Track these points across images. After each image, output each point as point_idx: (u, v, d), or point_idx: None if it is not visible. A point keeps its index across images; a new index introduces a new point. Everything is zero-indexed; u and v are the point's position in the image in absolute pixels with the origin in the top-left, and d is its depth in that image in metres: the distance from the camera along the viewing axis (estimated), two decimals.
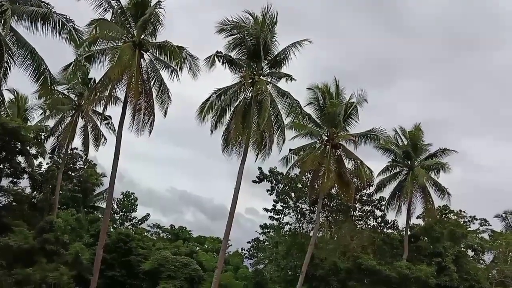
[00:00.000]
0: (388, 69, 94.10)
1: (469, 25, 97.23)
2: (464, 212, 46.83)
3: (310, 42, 30.07)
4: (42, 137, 38.24)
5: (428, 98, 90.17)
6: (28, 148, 36.37)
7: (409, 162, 41.39)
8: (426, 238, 43.16)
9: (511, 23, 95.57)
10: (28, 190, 39.00)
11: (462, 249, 43.25)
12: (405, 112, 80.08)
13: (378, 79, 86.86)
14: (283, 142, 31.50)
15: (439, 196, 40.88)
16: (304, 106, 33.83)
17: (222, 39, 29.86)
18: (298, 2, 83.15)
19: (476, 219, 47.95)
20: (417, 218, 43.82)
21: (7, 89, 38.49)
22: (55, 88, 30.87)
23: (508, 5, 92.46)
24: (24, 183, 38.27)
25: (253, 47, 29.98)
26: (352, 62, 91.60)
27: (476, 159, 77.57)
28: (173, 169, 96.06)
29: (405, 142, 41.71)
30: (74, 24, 21.71)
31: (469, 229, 46.71)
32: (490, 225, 49.42)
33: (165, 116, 29.74)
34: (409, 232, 41.94)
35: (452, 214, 46.02)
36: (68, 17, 21.58)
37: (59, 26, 21.23)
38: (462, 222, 46.15)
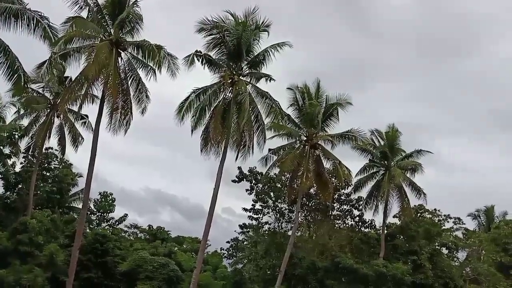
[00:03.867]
0: (363, 72, 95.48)
1: (443, 30, 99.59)
2: (438, 211, 47.85)
3: (290, 46, 30.35)
4: (16, 136, 37.35)
5: (403, 101, 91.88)
6: (1, 147, 35.48)
7: (385, 162, 42.08)
8: (402, 237, 43.91)
9: (485, 28, 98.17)
10: (1, 191, 38.09)
11: (437, 247, 44.17)
12: (380, 114, 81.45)
13: (353, 81, 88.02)
14: (264, 142, 31.69)
15: (415, 196, 41.81)
16: (287, 108, 34.12)
17: (201, 38, 29.83)
18: (273, 2, 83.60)
19: (450, 218, 49.04)
20: (393, 217, 44.66)
21: None
22: (29, 87, 30.21)
23: (480, 11, 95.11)
24: None
25: (233, 47, 29.95)
26: (327, 64, 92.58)
27: (449, 160, 79.55)
28: (148, 169, 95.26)
29: (382, 143, 42.40)
30: (49, 22, 21.24)
31: (443, 227, 47.74)
32: (464, 224, 50.71)
33: (142, 115, 29.54)
34: (385, 231, 42.63)
35: (427, 213, 46.94)
36: (42, 14, 21.11)
37: (33, 23, 20.74)
38: (437, 221, 47.12)
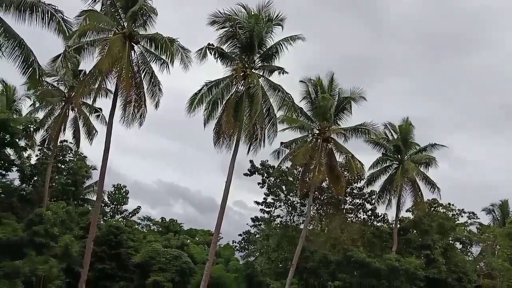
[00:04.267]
0: (372, 66, 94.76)
1: (449, 25, 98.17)
2: (452, 205, 47.40)
3: (303, 39, 30.14)
4: (32, 129, 37.77)
5: (412, 96, 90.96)
6: (17, 140, 35.93)
7: (399, 156, 41.72)
8: (415, 231, 43.62)
9: (491, 24, 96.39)
10: (17, 183, 38.64)
11: (451, 241, 43.82)
12: (388, 109, 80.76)
13: (362, 76, 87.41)
14: (275, 136, 31.60)
15: (429, 190, 41.42)
16: (299, 101, 33.93)
17: (214, 31, 29.78)
18: None
19: (464, 212, 48.58)
20: (406, 211, 44.41)
21: None
22: (44, 80, 30.47)
23: (486, 4, 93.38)
24: (13, 175, 37.88)
25: (246, 40, 29.85)
26: (336, 58, 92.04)
27: (462, 154, 78.65)
28: (161, 162, 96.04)
29: (395, 137, 42.01)
30: (63, 15, 21.31)
31: (457, 222, 47.30)
32: (478, 218, 50.17)
33: (156, 108, 29.65)
34: (398, 225, 42.37)
35: (441, 208, 46.52)
36: (56, 8, 21.20)
37: (47, 17, 20.85)
38: (450, 215, 46.70)
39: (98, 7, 27.86)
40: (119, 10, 28.47)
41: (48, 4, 21.04)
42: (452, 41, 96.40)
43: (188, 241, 51.48)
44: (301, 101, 34.86)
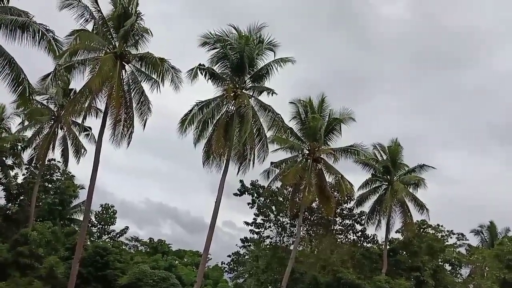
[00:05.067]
0: (361, 84, 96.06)
1: (440, 43, 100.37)
2: (441, 226, 47.49)
3: (293, 62, 30.57)
4: (19, 147, 37.44)
5: (400, 114, 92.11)
6: (4, 158, 35.55)
7: (388, 177, 41.93)
8: (405, 252, 43.52)
9: (483, 41, 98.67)
10: (2, 202, 38.08)
11: (440, 263, 43.75)
12: (378, 127, 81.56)
13: (351, 94, 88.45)
14: (266, 155, 31.65)
15: (418, 211, 41.50)
16: (289, 121, 34.13)
17: (205, 52, 30.07)
18: (270, 14, 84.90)
19: (453, 234, 48.65)
20: (396, 232, 44.35)
21: None
22: (34, 98, 30.39)
23: (478, 24, 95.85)
24: None
25: (236, 61, 30.16)
26: (325, 77, 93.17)
27: (451, 174, 79.27)
28: (149, 181, 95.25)
29: (384, 157, 42.31)
30: (54, 34, 21.44)
31: (446, 243, 47.32)
32: (467, 240, 50.24)
33: (144, 128, 29.50)
34: (388, 246, 42.27)
35: (430, 229, 46.59)
36: (48, 27, 21.33)
37: (38, 36, 20.95)
38: (440, 237, 46.74)
39: (90, 26, 28.03)
40: (111, 30, 28.64)
41: (40, 24, 21.16)
42: (441, 60, 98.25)
43: (177, 262, 50.79)
44: (290, 120, 35.09)
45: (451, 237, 48.53)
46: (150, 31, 28.49)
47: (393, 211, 41.32)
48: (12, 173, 38.37)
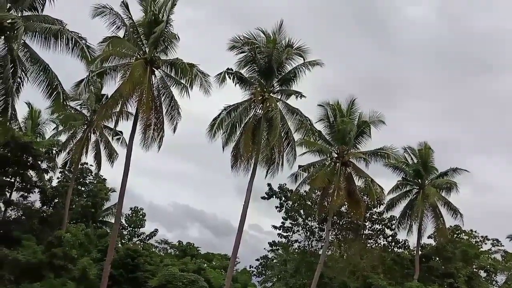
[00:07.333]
0: (391, 90, 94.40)
1: (472, 48, 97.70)
2: (476, 232, 46.09)
3: (321, 65, 30.35)
4: (54, 151, 38.54)
5: (432, 120, 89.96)
6: (39, 162, 36.67)
7: (419, 180, 41.00)
8: (437, 258, 42.44)
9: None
10: (38, 204, 39.20)
11: (475, 269, 42.42)
12: (409, 133, 79.98)
13: (381, 100, 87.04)
14: (294, 159, 31.49)
15: (451, 216, 40.39)
16: (315, 123, 33.82)
17: (233, 56, 30.22)
18: (297, 20, 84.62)
19: (488, 239, 47.12)
20: (428, 237, 43.31)
21: (25, 102, 39.36)
22: (68, 104, 31.25)
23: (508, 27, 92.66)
24: (35, 197, 38.49)
25: (264, 65, 30.18)
26: (354, 82, 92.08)
27: (485, 179, 76.80)
28: (178, 185, 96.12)
29: (415, 161, 41.40)
30: (87, 42, 22.07)
31: (481, 249, 45.88)
32: (503, 246, 48.49)
33: (174, 132, 29.93)
34: (420, 252, 41.28)
35: (464, 234, 45.28)
36: (80, 35, 21.97)
37: (72, 43, 21.61)
38: (474, 243, 45.36)
39: (121, 33, 28.64)
40: (141, 37, 29.18)
41: (73, 32, 21.79)
42: (475, 64, 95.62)
43: (205, 265, 50.98)
44: (316, 123, 34.63)
45: (485, 243, 47.08)
46: (178, 36, 28.93)
47: (425, 215, 40.35)
48: (47, 177, 39.47)
